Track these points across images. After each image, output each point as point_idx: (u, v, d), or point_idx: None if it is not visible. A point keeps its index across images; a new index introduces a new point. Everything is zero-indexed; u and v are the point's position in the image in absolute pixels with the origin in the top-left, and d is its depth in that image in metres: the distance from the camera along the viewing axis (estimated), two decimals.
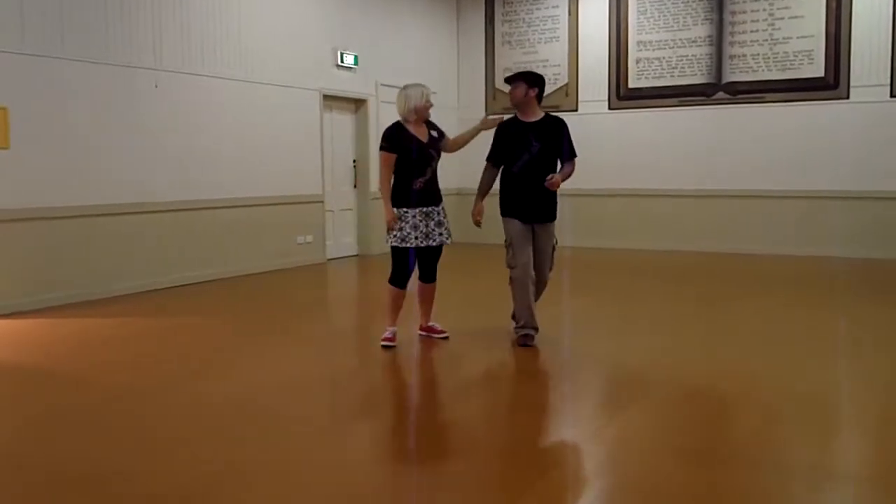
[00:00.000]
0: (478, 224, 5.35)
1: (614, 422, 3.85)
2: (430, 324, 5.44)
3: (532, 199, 5.12)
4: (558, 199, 5.27)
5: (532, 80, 5.23)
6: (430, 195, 5.12)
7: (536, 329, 5.22)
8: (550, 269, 5.30)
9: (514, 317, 5.29)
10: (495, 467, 3.32)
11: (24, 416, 4.02)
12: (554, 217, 5.25)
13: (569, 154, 5.23)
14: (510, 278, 5.20)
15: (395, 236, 5.07)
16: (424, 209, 5.09)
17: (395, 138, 5.11)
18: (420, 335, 5.40)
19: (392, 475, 3.25)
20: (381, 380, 4.81)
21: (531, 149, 5.10)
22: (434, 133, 5.19)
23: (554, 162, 5.22)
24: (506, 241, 5.21)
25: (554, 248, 5.30)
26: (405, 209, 5.07)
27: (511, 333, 5.37)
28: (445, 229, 5.18)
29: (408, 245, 5.06)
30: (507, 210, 5.19)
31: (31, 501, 3.01)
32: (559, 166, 5.26)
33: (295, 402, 4.24)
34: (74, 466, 3.30)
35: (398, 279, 5.17)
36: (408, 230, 5.05)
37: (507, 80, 5.36)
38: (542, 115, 5.25)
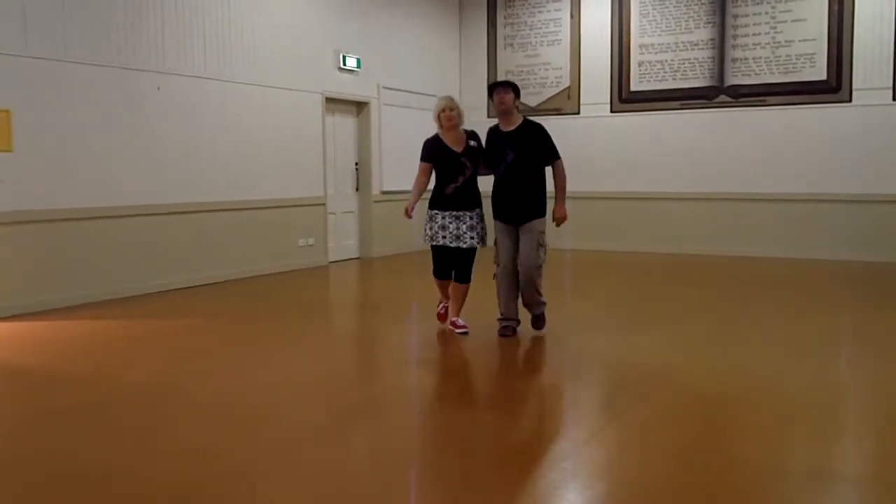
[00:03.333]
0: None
1: (614, 423, 3.85)
2: (453, 318, 5.74)
3: (512, 203, 5.41)
4: (547, 200, 5.46)
5: (517, 90, 5.52)
6: (462, 201, 5.45)
7: (518, 322, 5.59)
8: (538, 266, 5.37)
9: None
10: (494, 468, 3.32)
11: (27, 416, 4.03)
12: (538, 215, 5.40)
13: (550, 156, 5.45)
14: (494, 274, 5.60)
15: (426, 235, 5.53)
16: (455, 213, 5.45)
17: (427, 149, 5.54)
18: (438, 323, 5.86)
19: (391, 476, 3.25)
20: (382, 381, 4.82)
21: (507, 158, 5.39)
22: (473, 143, 5.53)
23: (534, 167, 5.41)
24: (495, 240, 5.60)
25: (541, 246, 5.37)
26: (436, 211, 5.49)
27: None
28: (476, 233, 5.49)
29: (436, 243, 5.49)
30: (495, 212, 5.55)
31: (31, 500, 3.02)
32: (547, 172, 5.48)
33: (297, 403, 4.25)
34: (76, 466, 3.31)
35: (437, 272, 5.67)
36: (436, 229, 5.47)
37: (495, 86, 5.54)
38: (520, 122, 5.48)
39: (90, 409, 4.10)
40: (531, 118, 5.67)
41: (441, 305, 5.85)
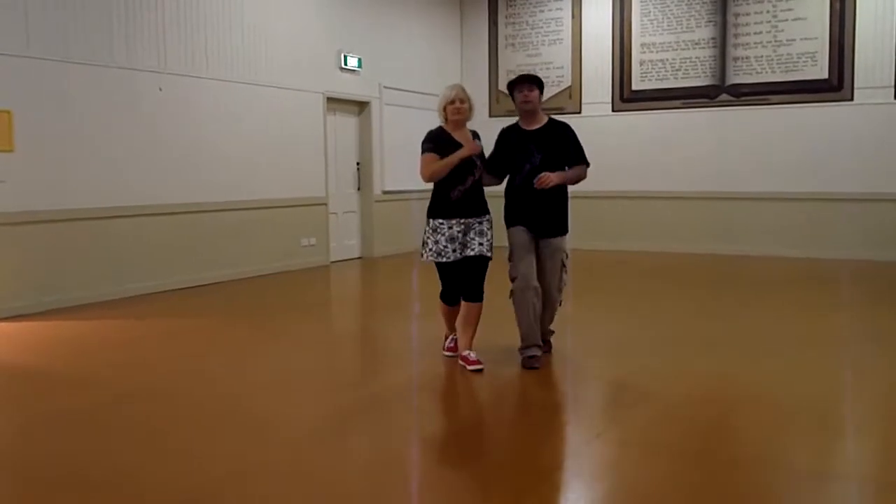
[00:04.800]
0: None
1: (616, 424, 3.85)
2: (464, 353, 4.76)
3: (536, 211, 4.75)
4: (569, 212, 4.92)
5: (542, 85, 4.89)
6: (471, 206, 4.67)
7: (541, 345, 4.83)
8: (560, 290, 4.84)
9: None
10: (496, 470, 3.32)
11: (28, 417, 4.03)
12: (562, 231, 4.84)
13: (577, 159, 4.87)
14: (511, 291, 4.79)
15: (430, 250, 4.68)
16: (464, 220, 4.65)
17: (433, 140, 4.68)
18: (445, 355, 4.97)
19: (391, 478, 3.25)
20: (383, 383, 4.81)
21: (533, 159, 4.73)
22: (479, 143, 4.76)
23: (560, 170, 4.79)
24: (509, 253, 4.85)
25: (564, 267, 4.83)
26: (441, 220, 4.65)
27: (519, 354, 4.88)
28: (487, 240, 4.69)
29: (444, 260, 4.65)
30: (510, 220, 4.83)
31: (32, 502, 3.02)
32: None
33: (298, 404, 4.25)
34: (76, 468, 3.31)
35: (445, 295, 4.84)
36: (444, 243, 4.62)
37: (518, 82, 4.85)
38: (546, 120, 4.89)
39: (91, 411, 4.10)
40: (555, 117, 5.04)
41: (449, 339, 4.96)
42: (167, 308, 6.97)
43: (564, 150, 4.82)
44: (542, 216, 4.76)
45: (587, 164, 4.90)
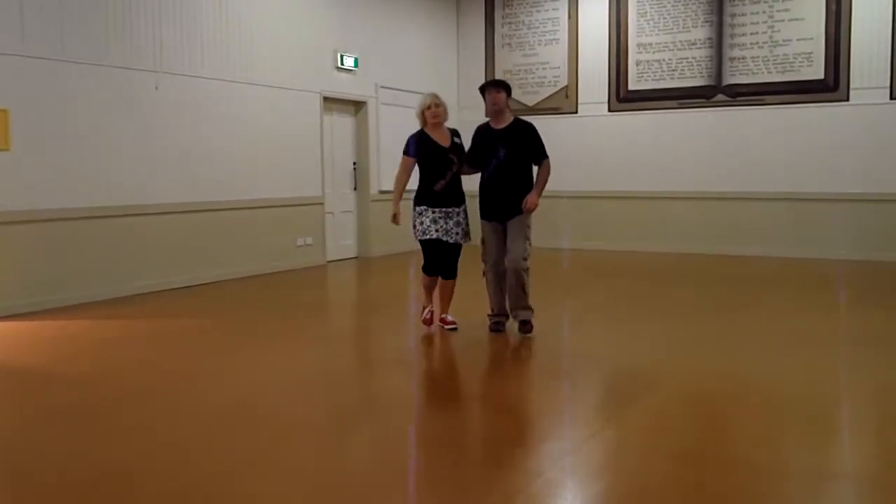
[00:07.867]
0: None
1: (612, 424, 3.85)
2: (442, 315, 5.83)
3: (502, 199, 5.49)
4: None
5: (509, 89, 5.62)
6: (450, 197, 5.53)
7: (507, 316, 5.67)
8: (525, 257, 5.45)
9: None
10: (491, 469, 3.32)
11: (26, 417, 4.03)
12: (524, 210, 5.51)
13: (539, 155, 5.55)
14: (483, 272, 5.70)
15: (417, 230, 5.56)
16: (444, 209, 5.52)
17: (414, 144, 5.54)
18: (423, 326, 5.89)
19: (386, 476, 3.25)
20: (377, 381, 4.81)
21: (498, 154, 5.48)
22: (457, 140, 5.61)
23: (524, 164, 5.54)
24: (481, 239, 5.69)
25: (528, 239, 5.49)
26: (425, 206, 5.53)
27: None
28: (462, 230, 5.59)
29: (428, 237, 5.52)
30: (482, 213, 5.63)
31: (26, 500, 3.01)
32: (534, 169, 5.61)
33: (295, 403, 4.25)
34: (76, 468, 3.30)
35: (427, 268, 5.70)
36: (427, 224, 5.51)
37: (487, 87, 5.62)
38: (511, 120, 5.60)
39: (87, 409, 4.10)
40: (525, 117, 5.73)
41: (427, 311, 5.84)
42: (163, 307, 6.96)
43: (527, 146, 5.53)
44: (508, 204, 5.48)
45: (547, 157, 5.58)
